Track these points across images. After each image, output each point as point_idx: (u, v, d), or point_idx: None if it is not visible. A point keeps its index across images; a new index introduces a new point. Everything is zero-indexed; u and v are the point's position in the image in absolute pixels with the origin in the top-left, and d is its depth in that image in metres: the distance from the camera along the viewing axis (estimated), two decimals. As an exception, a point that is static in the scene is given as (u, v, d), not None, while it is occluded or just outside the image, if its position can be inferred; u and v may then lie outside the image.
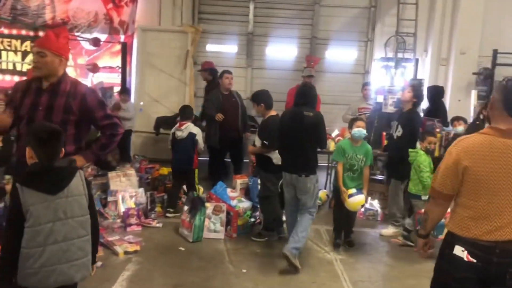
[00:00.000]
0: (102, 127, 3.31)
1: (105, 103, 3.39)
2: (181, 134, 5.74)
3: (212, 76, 7.49)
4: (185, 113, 5.96)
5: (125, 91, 7.90)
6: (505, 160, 2.20)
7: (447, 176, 2.33)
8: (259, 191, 5.21)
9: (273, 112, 4.90)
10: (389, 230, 5.33)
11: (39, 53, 3.14)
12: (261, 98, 4.90)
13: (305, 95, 4.51)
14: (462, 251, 2.26)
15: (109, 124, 3.30)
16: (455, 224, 2.32)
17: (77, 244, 2.55)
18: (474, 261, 2.23)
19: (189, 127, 5.77)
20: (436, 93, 6.64)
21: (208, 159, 7.09)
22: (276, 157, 4.79)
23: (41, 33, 8.79)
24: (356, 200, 4.62)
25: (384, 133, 6.11)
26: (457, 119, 6.05)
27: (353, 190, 4.66)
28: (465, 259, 2.25)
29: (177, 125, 5.87)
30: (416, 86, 5.46)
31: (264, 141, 4.78)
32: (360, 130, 4.71)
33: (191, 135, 5.73)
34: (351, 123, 4.83)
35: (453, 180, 2.31)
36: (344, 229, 4.97)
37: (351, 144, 4.81)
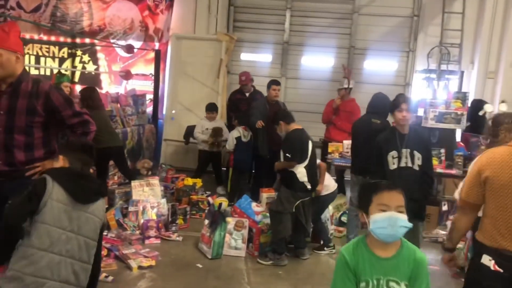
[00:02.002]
0: (72, 126, 3.00)
1: (72, 100, 3.07)
2: (247, 137, 6.51)
3: (253, 86, 7.28)
4: (243, 119, 6.65)
5: (212, 107, 7.23)
6: None
7: (471, 186, 2.45)
8: (272, 204, 4.88)
9: (296, 126, 4.74)
10: None
11: None
12: (277, 117, 4.93)
13: (374, 105, 5.00)
14: (490, 260, 2.31)
15: (79, 122, 2.99)
16: (483, 234, 2.39)
17: (75, 266, 2.34)
18: (501, 270, 2.28)
19: (250, 132, 6.55)
20: (477, 107, 6.15)
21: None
22: (300, 172, 4.52)
23: (78, 40, 8.94)
24: None
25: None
26: None
27: None
28: (492, 268, 2.29)
29: (241, 129, 6.55)
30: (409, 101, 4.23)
31: (287, 154, 4.56)
32: (393, 220, 2.02)
33: (251, 138, 6.54)
34: (367, 195, 2.12)
35: (477, 189, 2.41)
36: None
37: (371, 254, 2.09)
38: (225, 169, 7.28)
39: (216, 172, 7.20)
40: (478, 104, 6.43)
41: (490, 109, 6.53)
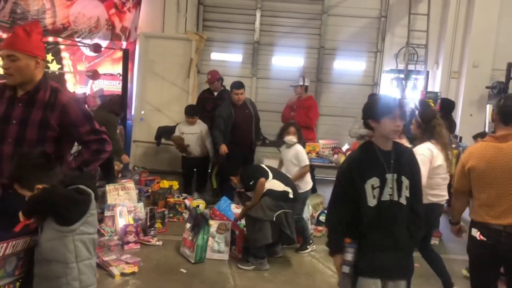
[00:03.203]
0: (87, 142, 2.72)
1: (92, 115, 2.80)
2: None
3: (223, 85, 7.15)
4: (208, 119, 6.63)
5: (192, 110, 6.63)
6: (497, 159, 2.83)
7: (459, 177, 3.03)
8: (252, 210, 4.59)
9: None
10: None
11: (9, 56, 2.58)
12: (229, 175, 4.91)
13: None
14: (476, 232, 2.89)
15: (96, 140, 2.72)
16: (472, 213, 2.98)
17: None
18: (485, 239, 2.85)
19: None
20: (446, 106, 6.36)
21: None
22: (273, 184, 4.50)
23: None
24: None
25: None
26: (480, 135, 5.67)
27: None
28: (478, 238, 2.88)
29: None
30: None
31: (251, 183, 4.57)
32: None
33: None
34: None
35: (463, 179, 2.99)
36: None
37: None
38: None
39: (199, 180, 6.75)
40: (448, 103, 6.62)
41: (413, 105, 6.80)
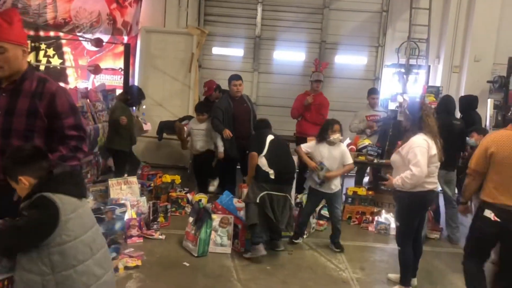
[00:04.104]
0: (66, 137, 2.64)
1: (78, 109, 2.76)
2: None
3: (222, 92, 7.05)
4: None
5: (200, 107, 6.62)
6: None
7: (479, 158, 3.34)
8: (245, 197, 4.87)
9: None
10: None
11: None
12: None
13: (450, 107, 5.46)
14: (490, 213, 3.22)
15: (75, 136, 2.66)
16: (485, 194, 3.28)
17: (107, 253, 2.43)
18: (499, 220, 3.19)
19: None
20: (466, 104, 6.32)
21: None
22: (261, 162, 4.66)
23: (42, 33, 8.57)
24: None
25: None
26: (474, 129, 5.67)
27: None
28: (492, 219, 3.22)
29: None
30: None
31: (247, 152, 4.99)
32: None
33: None
34: None
35: (484, 161, 3.30)
36: None
37: None
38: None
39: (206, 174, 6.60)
40: (470, 100, 6.56)
41: (401, 99, 6.81)
